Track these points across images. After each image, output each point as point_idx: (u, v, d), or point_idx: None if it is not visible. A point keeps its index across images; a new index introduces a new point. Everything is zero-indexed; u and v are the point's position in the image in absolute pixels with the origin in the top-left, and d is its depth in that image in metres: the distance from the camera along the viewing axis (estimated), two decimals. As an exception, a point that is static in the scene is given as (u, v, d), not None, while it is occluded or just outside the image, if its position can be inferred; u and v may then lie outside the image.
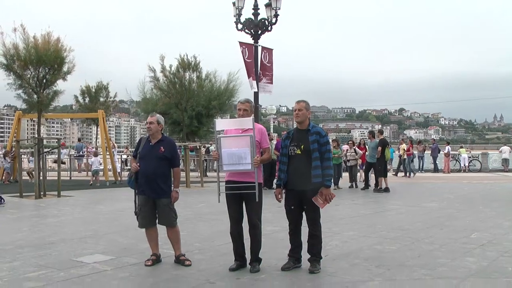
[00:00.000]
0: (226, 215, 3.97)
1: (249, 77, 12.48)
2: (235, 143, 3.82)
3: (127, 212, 7.78)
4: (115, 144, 16.76)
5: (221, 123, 4.07)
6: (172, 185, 4.13)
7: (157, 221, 4.17)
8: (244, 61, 12.42)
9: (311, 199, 3.81)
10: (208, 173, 18.49)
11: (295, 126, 4.03)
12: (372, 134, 12.25)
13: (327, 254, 4.36)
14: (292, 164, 3.87)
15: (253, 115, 4.07)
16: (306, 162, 3.79)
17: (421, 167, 19.76)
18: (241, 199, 3.88)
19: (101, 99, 24.37)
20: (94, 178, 13.58)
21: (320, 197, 3.81)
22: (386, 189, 11.13)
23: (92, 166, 13.92)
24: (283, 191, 3.98)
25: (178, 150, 4.51)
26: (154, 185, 4.05)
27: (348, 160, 12.49)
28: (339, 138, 14.37)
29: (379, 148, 11.33)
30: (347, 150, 12.52)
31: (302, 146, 3.84)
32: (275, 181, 4.34)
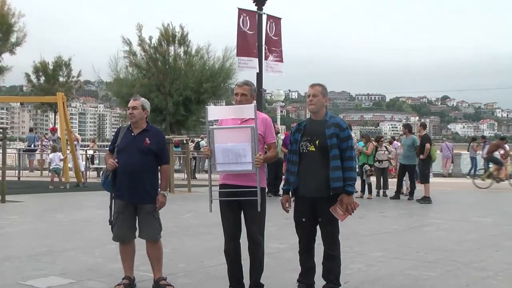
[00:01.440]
0: (220, 228, 4.02)
1: (239, 55, 12.42)
2: (232, 136, 3.86)
3: (93, 223, 7.88)
4: (78, 137, 16.77)
5: (215, 111, 4.10)
6: (159, 188, 4.20)
7: (137, 233, 4.23)
8: (238, 33, 12.33)
9: (328, 209, 3.85)
10: (197, 175, 18.61)
11: (308, 116, 4.08)
12: (408, 128, 12.20)
13: (347, 280, 4.36)
14: (304, 164, 3.91)
15: (255, 101, 4.11)
16: (321, 162, 3.83)
17: (473, 170, 19.53)
18: (239, 208, 3.94)
19: (61, 79, 24.57)
20: (56, 179, 13.58)
21: (340, 206, 3.85)
22: (426, 199, 11.12)
23: (51, 164, 13.93)
24: (292, 198, 4.04)
25: None
26: (136, 186, 4.11)
27: (379, 161, 12.46)
28: (366, 133, 14.25)
29: (427, 146, 11.27)
30: (376, 148, 12.50)
31: (317, 142, 3.88)
32: (281, 185, 4.35)
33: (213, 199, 3.94)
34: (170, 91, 15.52)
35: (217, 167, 3.87)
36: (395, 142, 17.22)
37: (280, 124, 24.33)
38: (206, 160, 3.98)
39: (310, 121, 4.03)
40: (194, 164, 20.97)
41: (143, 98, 4.36)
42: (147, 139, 4.19)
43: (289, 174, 4.02)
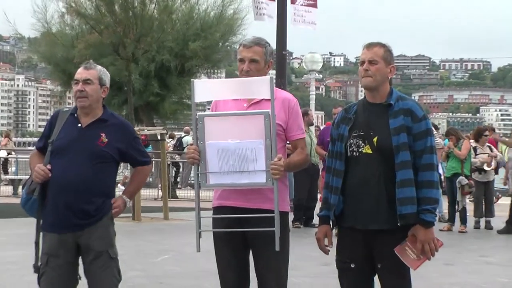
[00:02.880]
0: (215, 278, 4.05)
1: None
2: (234, 129, 3.91)
3: (2, 271, 7.80)
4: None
5: (207, 88, 4.11)
6: (126, 187, 4.52)
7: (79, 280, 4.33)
8: None
9: (393, 250, 3.89)
10: (179, 192, 18.77)
11: (361, 95, 4.16)
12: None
13: None
14: (355, 176, 3.99)
15: (272, 72, 4.16)
16: (383, 172, 3.91)
17: None
18: (246, 247, 4.03)
19: None
20: None
21: (412, 246, 3.89)
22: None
23: None
24: (334, 230, 4.11)
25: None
26: (81, 210, 4.22)
27: (480, 171, 12.41)
28: (453, 128, 14.03)
29: None
30: (475, 149, 12.41)
31: (374, 139, 3.95)
32: (317, 209, 4.41)
33: (204, 231, 3.97)
34: (134, 55, 15.44)
35: (209, 178, 3.92)
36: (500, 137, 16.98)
37: (315, 110, 24.31)
38: (192, 167, 4.05)
39: (364, 105, 4.08)
40: (174, 175, 21.00)
41: (100, 67, 4.46)
42: (103, 135, 4.27)
43: (329, 192, 4.08)
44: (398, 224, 3.82)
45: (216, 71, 21.95)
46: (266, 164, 3.83)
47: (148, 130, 15.36)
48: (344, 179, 3.98)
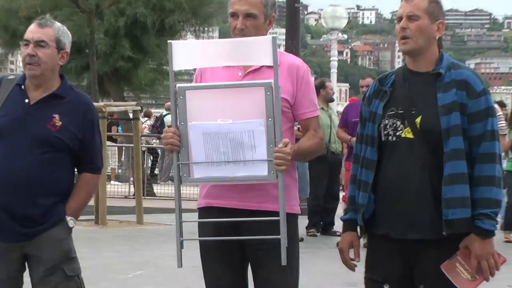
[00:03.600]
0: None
1: None
2: (225, 105, 3.90)
3: None
4: None
5: (189, 51, 4.08)
6: (68, 202, 4.39)
7: None
8: None
9: (439, 266, 3.88)
10: (157, 187, 19.11)
11: (398, 63, 4.13)
12: None
13: None
14: (391, 167, 4.00)
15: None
16: (427, 163, 3.92)
17: None
18: (243, 260, 4.08)
19: None
20: None
21: (464, 262, 3.88)
22: None
23: None
24: (363, 240, 4.19)
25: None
26: (21, 214, 4.22)
27: None
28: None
29: None
30: None
31: (418, 119, 3.95)
32: (339, 212, 4.42)
33: (187, 240, 3.94)
34: (99, 7, 15.49)
35: (194, 171, 3.91)
36: None
37: (337, 82, 24.35)
38: (172, 156, 4.00)
39: (404, 75, 4.07)
40: (151, 165, 21.04)
41: (60, 25, 4.44)
42: (56, 116, 4.26)
43: (357, 188, 4.09)
44: (445, 233, 3.81)
45: (206, 29, 21.77)
46: (268, 151, 3.81)
47: (116, 106, 15.37)
48: (377, 172, 3.99)
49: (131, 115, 14.57)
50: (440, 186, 3.82)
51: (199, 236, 4.04)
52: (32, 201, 4.19)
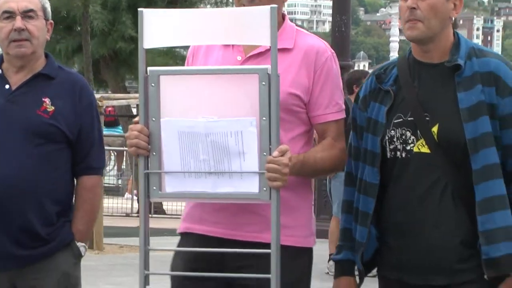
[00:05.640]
0: None
1: None
2: (209, 98, 3.45)
3: None
4: None
5: (167, 24, 3.59)
6: (72, 224, 4.17)
7: None
8: None
9: None
10: (166, 203, 18.78)
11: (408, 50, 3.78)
12: None
13: None
14: (401, 192, 3.64)
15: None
16: (451, 184, 3.56)
17: None
18: None
19: None
20: None
21: None
22: None
23: None
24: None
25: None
26: (18, 227, 3.98)
27: None
28: None
29: None
30: None
31: (434, 128, 3.56)
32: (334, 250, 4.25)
33: (153, 274, 3.49)
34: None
35: (165, 183, 3.45)
36: None
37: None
38: (140, 162, 3.56)
39: (411, 67, 3.67)
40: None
41: None
42: (46, 100, 3.98)
43: (353, 220, 3.75)
44: (485, 276, 3.43)
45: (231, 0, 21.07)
46: (261, 161, 3.31)
47: (116, 99, 14.88)
48: (380, 199, 3.58)
49: (134, 111, 14.04)
50: (469, 214, 3.48)
51: (171, 270, 3.61)
52: (30, 211, 3.95)
